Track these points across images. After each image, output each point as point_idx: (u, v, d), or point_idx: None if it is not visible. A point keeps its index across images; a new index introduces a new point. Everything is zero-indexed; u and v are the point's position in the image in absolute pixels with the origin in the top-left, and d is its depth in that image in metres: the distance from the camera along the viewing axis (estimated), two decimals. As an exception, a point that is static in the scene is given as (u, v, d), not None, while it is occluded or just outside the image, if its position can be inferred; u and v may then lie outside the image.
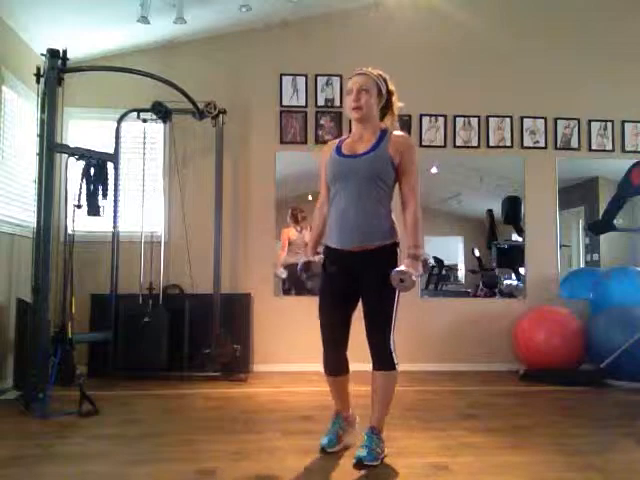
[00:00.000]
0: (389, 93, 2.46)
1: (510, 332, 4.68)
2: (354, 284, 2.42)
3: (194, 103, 4.24)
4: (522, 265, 4.99)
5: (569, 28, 5.09)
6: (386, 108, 2.48)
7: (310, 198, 4.83)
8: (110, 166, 3.81)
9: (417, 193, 2.41)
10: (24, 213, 4.10)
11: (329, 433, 2.53)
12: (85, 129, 4.67)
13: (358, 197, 2.37)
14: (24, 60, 4.10)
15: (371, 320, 2.39)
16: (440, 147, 4.93)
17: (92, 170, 3.65)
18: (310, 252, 2.61)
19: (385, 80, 2.46)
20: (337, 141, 2.54)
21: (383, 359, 2.38)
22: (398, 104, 2.51)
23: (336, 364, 2.51)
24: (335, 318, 2.46)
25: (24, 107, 4.16)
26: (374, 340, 2.39)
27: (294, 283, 4.78)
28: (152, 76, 4.01)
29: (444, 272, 5.16)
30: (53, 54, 3.44)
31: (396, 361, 2.40)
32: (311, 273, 2.53)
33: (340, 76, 4.82)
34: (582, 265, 5.26)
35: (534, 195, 4.98)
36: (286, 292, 4.78)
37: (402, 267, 2.28)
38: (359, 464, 2.32)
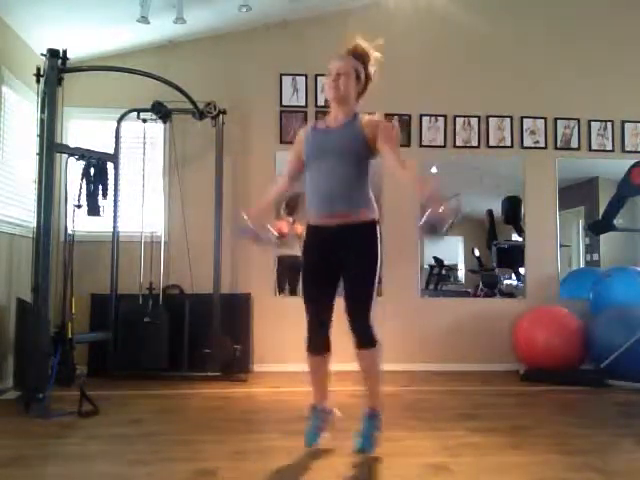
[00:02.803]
0: (367, 77, 2.51)
1: (510, 332, 4.68)
2: (336, 262, 2.45)
3: (194, 103, 4.24)
4: (522, 265, 4.98)
5: (569, 28, 5.09)
6: (363, 91, 2.54)
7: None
8: (110, 166, 3.82)
9: (399, 154, 2.39)
10: (24, 213, 4.10)
11: (310, 429, 2.54)
12: (85, 129, 4.68)
13: (334, 170, 2.41)
14: (24, 60, 4.10)
15: (353, 300, 2.41)
16: (440, 147, 4.93)
17: (92, 170, 3.66)
18: (256, 210, 2.62)
19: (365, 60, 2.49)
20: (312, 123, 2.63)
21: (367, 338, 2.40)
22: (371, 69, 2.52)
23: (319, 342, 2.52)
24: (319, 297, 2.50)
25: (24, 107, 4.16)
26: (357, 320, 2.40)
27: (287, 276, 4.81)
28: (152, 76, 4.01)
29: (444, 272, 5.16)
30: (53, 54, 3.44)
31: (377, 337, 2.41)
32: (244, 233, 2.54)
33: (340, 76, 4.81)
34: (582, 265, 5.26)
35: (534, 195, 4.98)
36: (281, 289, 4.80)
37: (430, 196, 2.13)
38: (360, 452, 2.37)
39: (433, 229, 2.16)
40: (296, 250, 4.77)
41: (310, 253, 2.53)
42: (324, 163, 2.43)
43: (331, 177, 2.41)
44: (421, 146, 4.88)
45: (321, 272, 2.49)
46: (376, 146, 2.41)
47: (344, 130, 2.45)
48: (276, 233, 2.69)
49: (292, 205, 4.78)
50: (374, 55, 2.50)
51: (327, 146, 2.45)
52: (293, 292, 4.78)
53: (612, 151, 5.04)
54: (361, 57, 2.49)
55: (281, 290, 4.81)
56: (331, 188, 2.41)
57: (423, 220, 2.14)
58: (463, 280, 5.22)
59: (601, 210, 4.91)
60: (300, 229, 4.77)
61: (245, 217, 2.52)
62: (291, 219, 4.78)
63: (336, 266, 2.45)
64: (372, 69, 2.51)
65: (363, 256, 2.41)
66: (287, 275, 4.79)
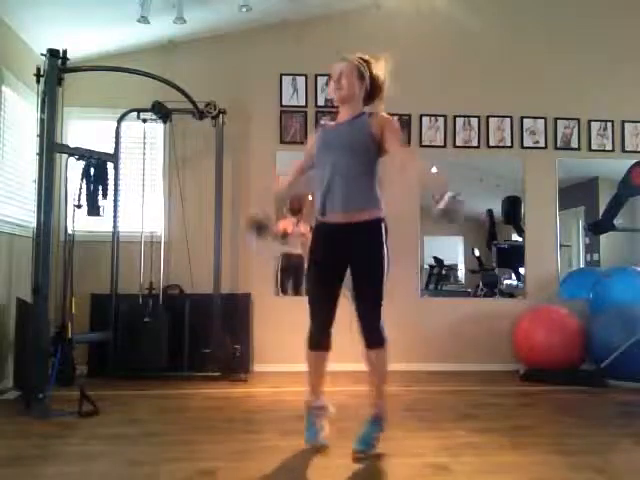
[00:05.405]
0: (372, 78, 2.56)
1: (510, 332, 4.68)
2: (342, 261, 2.50)
3: (194, 103, 4.24)
4: (522, 265, 4.98)
5: (569, 28, 5.08)
6: (373, 93, 2.59)
7: (310, 198, 4.83)
8: (110, 166, 3.82)
9: (406, 149, 2.50)
10: (24, 213, 4.10)
11: (309, 428, 2.59)
12: (85, 129, 4.67)
13: (342, 166, 2.46)
14: (24, 60, 4.10)
15: (363, 300, 2.46)
16: (440, 147, 4.92)
17: (92, 170, 3.66)
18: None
19: (368, 64, 2.56)
20: (323, 125, 2.71)
21: (376, 337, 2.47)
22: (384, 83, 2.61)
23: (322, 340, 2.57)
24: (324, 297, 2.54)
25: (24, 107, 4.16)
26: (368, 320, 2.46)
27: (291, 275, 4.81)
28: (152, 76, 4.01)
29: (444, 272, 5.16)
30: (53, 54, 3.44)
31: (386, 337, 2.48)
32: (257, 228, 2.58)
33: (340, 76, 4.81)
34: (582, 265, 5.26)
35: (534, 195, 4.98)
36: (284, 290, 4.79)
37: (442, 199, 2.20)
38: (359, 453, 2.39)
39: (448, 217, 2.18)
40: (299, 249, 4.78)
41: (317, 251, 2.56)
42: (332, 158, 2.47)
43: (339, 173, 2.45)
44: (421, 146, 4.88)
45: (327, 271, 2.53)
46: (383, 141, 2.45)
47: (351, 124, 2.50)
48: (280, 232, 2.75)
49: (296, 205, 4.78)
50: (379, 60, 2.58)
51: (335, 141, 2.51)
52: (297, 291, 4.78)
53: (612, 151, 5.04)
54: (364, 61, 2.55)
55: (284, 291, 4.79)
56: (339, 185, 2.45)
57: (439, 208, 2.19)
58: (463, 280, 5.22)
59: (601, 210, 4.91)
60: (304, 229, 4.77)
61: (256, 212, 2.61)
62: (295, 219, 4.78)
63: (342, 265, 2.50)
64: (379, 71, 2.57)
65: (370, 256, 2.45)
66: (291, 274, 4.79)
